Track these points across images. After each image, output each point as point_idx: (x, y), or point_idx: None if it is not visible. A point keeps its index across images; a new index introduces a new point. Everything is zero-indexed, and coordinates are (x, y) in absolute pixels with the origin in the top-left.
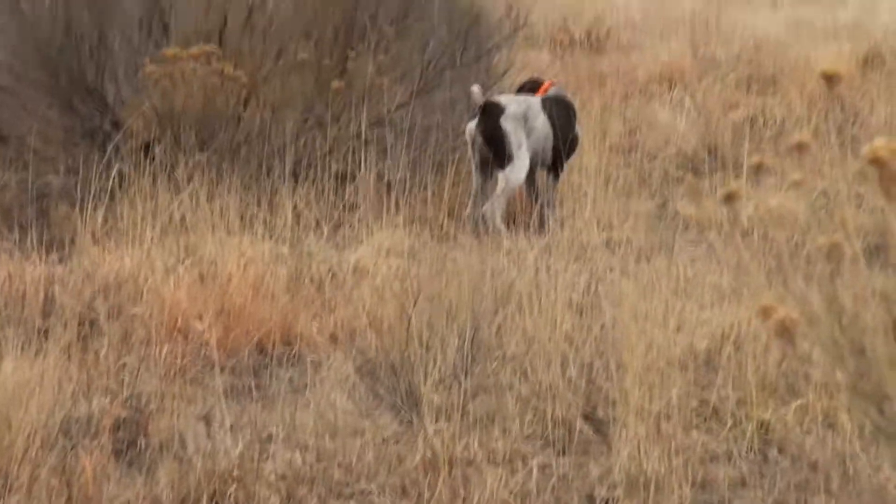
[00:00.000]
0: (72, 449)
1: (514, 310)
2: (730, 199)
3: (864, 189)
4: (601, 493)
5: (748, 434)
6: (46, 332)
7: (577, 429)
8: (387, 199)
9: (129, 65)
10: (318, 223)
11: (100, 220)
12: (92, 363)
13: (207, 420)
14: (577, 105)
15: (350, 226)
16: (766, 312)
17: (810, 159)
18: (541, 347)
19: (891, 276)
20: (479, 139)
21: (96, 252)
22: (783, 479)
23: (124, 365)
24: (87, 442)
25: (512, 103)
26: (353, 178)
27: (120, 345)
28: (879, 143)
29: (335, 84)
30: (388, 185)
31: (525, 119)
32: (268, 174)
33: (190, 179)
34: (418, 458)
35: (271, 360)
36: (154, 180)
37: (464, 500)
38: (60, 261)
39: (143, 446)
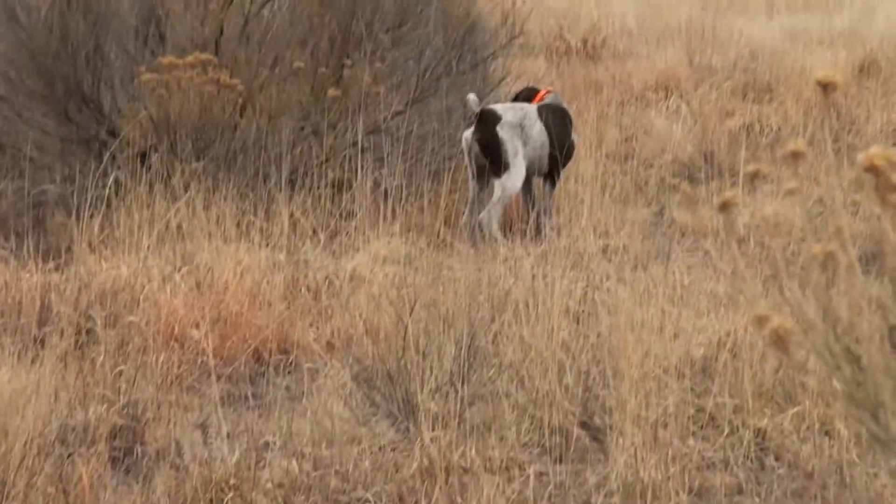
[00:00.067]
0: (68, 457)
1: (510, 318)
2: (726, 206)
3: (860, 197)
4: (598, 500)
5: (745, 442)
6: (43, 340)
7: (574, 436)
8: (383, 207)
9: (126, 73)
10: (314, 231)
11: (96, 228)
12: (88, 371)
13: (204, 428)
14: (573, 113)
15: (346, 234)
16: (760, 321)
17: (806, 167)
18: (537, 355)
19: (886, 285)
20: (476, 147)
21: (93, 260)
22: (780, 487)
23: (121, 373)
24: (83, 450)
25: (508, 111)
26: (350, 186)
27: (116, 353)
28: (875, 151)
29: (331, 92)
30: (385, 193)
31: (521, 127)
32: (264, 182)
33: (186, 187)
34: (415, 465)
35: (268, 367)
36: (150, 188)
37: None
38: (57, 269)
39: (139, 454)
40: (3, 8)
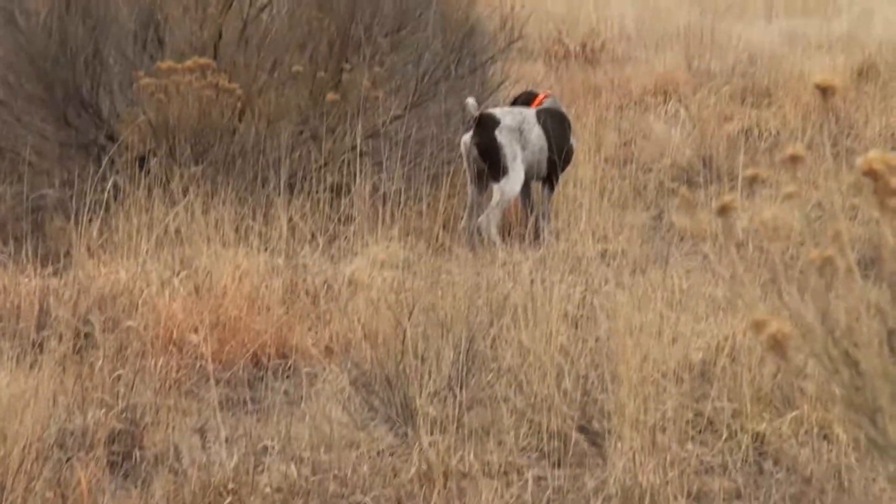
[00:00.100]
0: (67, 461)
1: (509, 322)
2: (724, 210)
3: (859, 201)
4: None
5: (743, 446)
6: (41, 344)
7: (573, 441)
8: (382, 212)
9: (124, 78)
10: (313, 235)
11: (95, 232)
12: (87, 376)
13: (202, 432)
14: (571, 117)
15: (345, 238)
16: (759, 326)
17: (805, 171)
18: (536, 359)
19: (885, 289)
20: (474, 151)
21: (91, 265)
22: (778, 491)
23: (119, 377)
24: (82, 454)
25: (507, 115)
26: (349, 190)
27: (115, 357)
28: (874, 155)
29: (330, 96)
30: (384, 197)
31: (520, 131)
32: (263, 186)
33: (185, 192)
34: (413, 470)
35: (266, 372)
36: (149, 193)
37: None
38: (55, 273)
39: (138, 459)
40: (1, 12)
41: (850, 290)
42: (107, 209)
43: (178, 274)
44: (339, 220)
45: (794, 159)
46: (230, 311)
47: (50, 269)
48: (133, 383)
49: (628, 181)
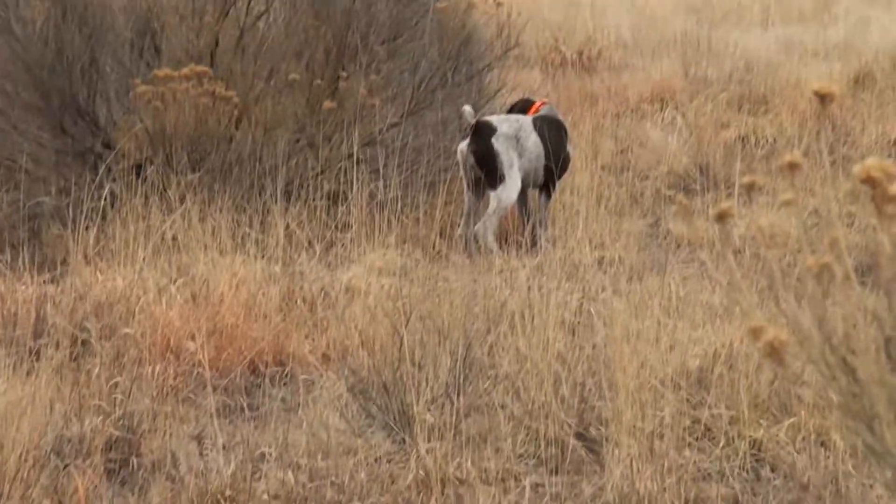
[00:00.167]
0: (64, 469)
1: (506, 329)
2: (721, 218)
3: (856, 208)
4: None
5: (741, 453)
6: (38, 352)
7: (570, 448)
8: (379, 219)
9: (121, 86)
10: (310, 243)
11: (92, 240)
12: (84, 383)
13: (200, 439)
14: (568, 124)
15: (342, 245)
16: (756, 333)
17: (802, 178)
18: (533, 366)
19: (882, 296)
20: (471, 159)
21: (88, 272)
22: (776, 498)
23: (116, 385)
24: (79, 462)
25: (503, 123)
26: (345, 197)
27: (112, 364)
28: (872, 163)
29: (327, 104)
30: (380, 204)
31: (517, 139)
32: (259, 194)
33: (182, 199)
34: (411, 477)
35: (263, 379)
36: (146, 200)
37: None
38: (52, 281)
39: (135, 466)
40: None
41: (847, 297)
42: (103, 217)
43: (174, 281)
44: (336, 227)
45: (791, 166)
46: (227, 319)
47: (47, 276)
48: (130, 390)
49: (625, 188)
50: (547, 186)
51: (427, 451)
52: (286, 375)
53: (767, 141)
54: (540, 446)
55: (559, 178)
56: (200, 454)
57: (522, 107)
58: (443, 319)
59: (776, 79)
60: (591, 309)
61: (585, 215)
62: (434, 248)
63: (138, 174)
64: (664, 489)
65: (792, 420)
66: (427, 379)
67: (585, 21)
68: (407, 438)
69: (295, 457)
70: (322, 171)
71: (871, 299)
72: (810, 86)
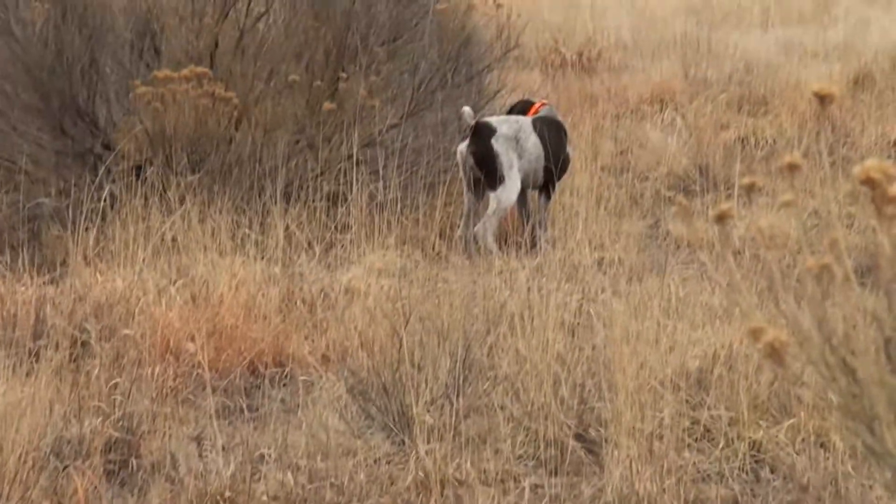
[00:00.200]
0: (63, 470)
1: (505, 330)
2: (721, 219)
3: (856, 209)
4: None
5: (740, 454)
6: (38, 353)
7: (570, 449)
8: (378, 220)
9: (121, 87)
10: (309, 244)
11: (91, 241)
12: (83, 384)
13: (199, 441)
14: (568, 125)
15: (342, 246)
16: (756, 334)
17: (801, 179)
18: (532, 368)
19: (881, 297)
20: (471, 160)
21: (88, 273)
22: (775, 499)
23: (116, 386)
24: (78, 463)
25: (503, 124)
26: (345, 199)
27: (111, 366)
28: (872, 164)
29: (327, 105)
30: (380, 205)
31: (516, 140)
32: (259, 195)
33: (182, 200)
34: (410, 478)
35: (263, 380)
36: (146, 201)
37: None
38: (52, 282)
39: (134, 467)
40: None
41: (846, 298)
42: (103, 218)
43: (174, 282)
44: (336, 228)
45: (791, 168)
46: (227, 320)
47: (46, 277)
48: (129, 392)
49: (625, 190)
50: (547, 187)
51: (426, 453)
52: (286, 376)
53: (767, 142)
54: (539, 447)
55: (559, 179)
56: (200, 455)
57: (522, 108)
58: (442, 320)
59: (776, 80)
60: (591, 310)
61: (585, 216)
62: (434, 249)
63: (138, 175)
64: (664, 490)
65: (791, 421)
66: (426, 380)
67: (585, 22)
68: (406, 439)
69: (294, 458)
70: (322, 173)
71: (871, 300)
72: (810, 87)
